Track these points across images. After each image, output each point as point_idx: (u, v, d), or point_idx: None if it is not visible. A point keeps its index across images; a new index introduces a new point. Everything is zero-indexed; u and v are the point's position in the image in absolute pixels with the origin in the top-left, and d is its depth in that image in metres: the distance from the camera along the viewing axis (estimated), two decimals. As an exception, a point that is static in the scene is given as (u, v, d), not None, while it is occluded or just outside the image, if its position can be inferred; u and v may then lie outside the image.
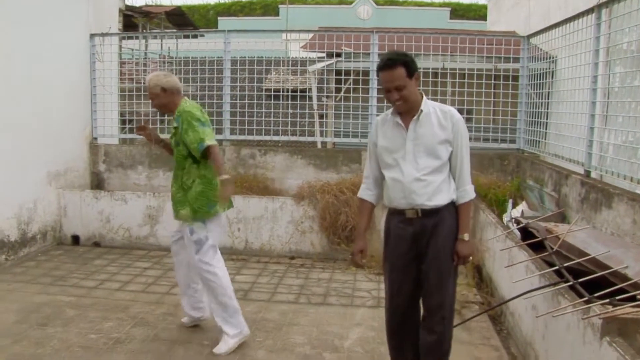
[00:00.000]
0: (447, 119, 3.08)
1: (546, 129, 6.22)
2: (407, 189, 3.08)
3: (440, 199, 3.08)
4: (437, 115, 3.08)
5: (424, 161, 3.06)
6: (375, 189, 3.32)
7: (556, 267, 3.39)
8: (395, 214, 3.23)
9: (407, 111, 3.09)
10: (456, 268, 3.20)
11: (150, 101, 4.15)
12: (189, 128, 3.95)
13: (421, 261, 3.16)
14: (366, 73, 7.39)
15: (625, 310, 2.58)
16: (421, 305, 3.29)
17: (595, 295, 2.88)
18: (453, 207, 3.15)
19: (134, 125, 4.19)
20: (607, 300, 2.78)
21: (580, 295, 2.97)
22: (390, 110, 3.20)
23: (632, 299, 2.74)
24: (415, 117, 3.08)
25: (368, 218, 3.36)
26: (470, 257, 3.18)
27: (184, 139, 3.98)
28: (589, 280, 3.10)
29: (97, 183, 7.60)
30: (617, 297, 2.76)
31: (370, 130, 3.36)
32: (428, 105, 3.11)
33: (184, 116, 3.99)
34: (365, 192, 3.35)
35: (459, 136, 3.09)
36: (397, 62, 2.96)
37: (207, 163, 4.06)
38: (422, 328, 3.24)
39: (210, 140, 3.96)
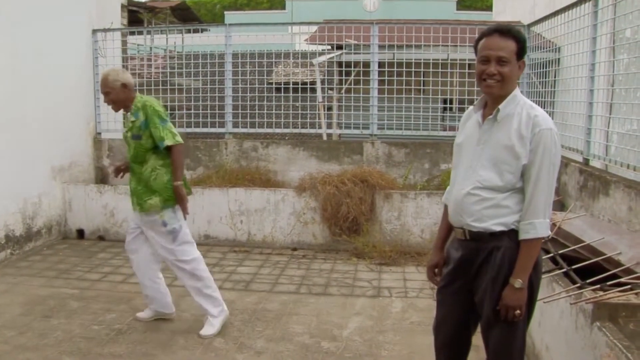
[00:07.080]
0: (529, 126, 2.34)
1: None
2: (457, 202, 2.52)
3: (496, 224, 2.42)
4: (521, 118, 2.37)
5: (486, 173, 2.42)
6: None
7: (551, 255, 3.40)
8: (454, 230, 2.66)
9: (494, 100, 2.44)
10: (528, 313, 2.48)
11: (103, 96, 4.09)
12: (151, 123, 3.97)
13: (474, 293, 2.56)
14: (367, 65, 7.38)
15: (613, 295, 2.59)
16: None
17: (588, 281, 2.90)
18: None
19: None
20: (598, 286, 2.80)
21: (574, 282, 2.99)
22: (475, 103, 2.59)
23: (622, 284, 2.75)
24: (492, 116, 2.43)
25: (448, 226, 2.69)
26: (518, 312, 2.37)
27: (152, 131, 3.98)
28: (584, 267, 3.11)
29: (102, 177, 7.66)
30: (608, 283, 2.78)
31: None
32: (517, 103, 2.42)
33: (148, 110, 3.99)
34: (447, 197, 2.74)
35: (540, 152, 2.33)
36: (511, 33, 2.37)
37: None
38: None
39: (170, 139, 3.98)
